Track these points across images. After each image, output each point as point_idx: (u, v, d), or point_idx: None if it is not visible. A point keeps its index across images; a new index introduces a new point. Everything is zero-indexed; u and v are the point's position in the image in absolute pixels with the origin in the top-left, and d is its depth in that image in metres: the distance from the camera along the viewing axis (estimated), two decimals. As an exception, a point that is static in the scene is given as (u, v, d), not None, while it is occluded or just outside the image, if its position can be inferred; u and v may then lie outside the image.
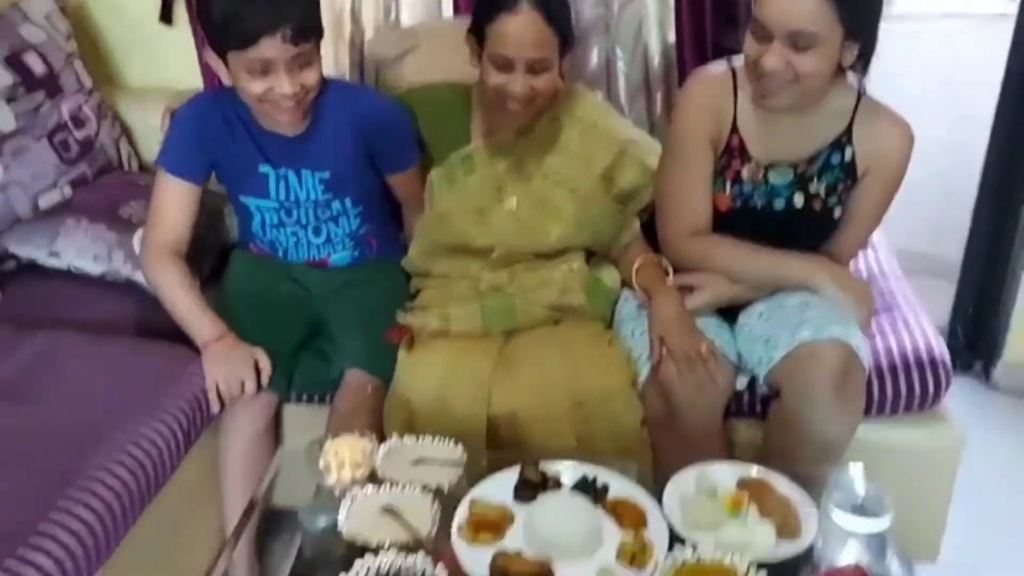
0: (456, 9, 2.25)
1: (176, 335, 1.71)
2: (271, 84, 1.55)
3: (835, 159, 1.57)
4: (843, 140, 1.57)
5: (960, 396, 2.37)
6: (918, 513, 1.57)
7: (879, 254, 1.97)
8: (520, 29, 1.55)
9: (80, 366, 1.59)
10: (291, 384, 1.72)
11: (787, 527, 1.20)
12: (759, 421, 1.61)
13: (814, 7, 1.40)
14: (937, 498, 1.62)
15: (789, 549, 1.18)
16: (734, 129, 1.59)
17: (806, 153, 1.58)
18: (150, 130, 2.32)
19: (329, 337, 1.78)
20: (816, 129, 1.57)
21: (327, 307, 1.81)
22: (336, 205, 1.77)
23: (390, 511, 1.23)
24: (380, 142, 1.76)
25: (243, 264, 1.87)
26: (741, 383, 1.61)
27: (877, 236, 1.95)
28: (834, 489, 1.18)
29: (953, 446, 1.62)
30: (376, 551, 1.14)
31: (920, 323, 1.70)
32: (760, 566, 1.11)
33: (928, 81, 2.78)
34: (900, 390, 1.59)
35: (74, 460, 1.38)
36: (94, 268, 1.87)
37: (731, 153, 1.60)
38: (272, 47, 1.50)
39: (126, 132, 2.32)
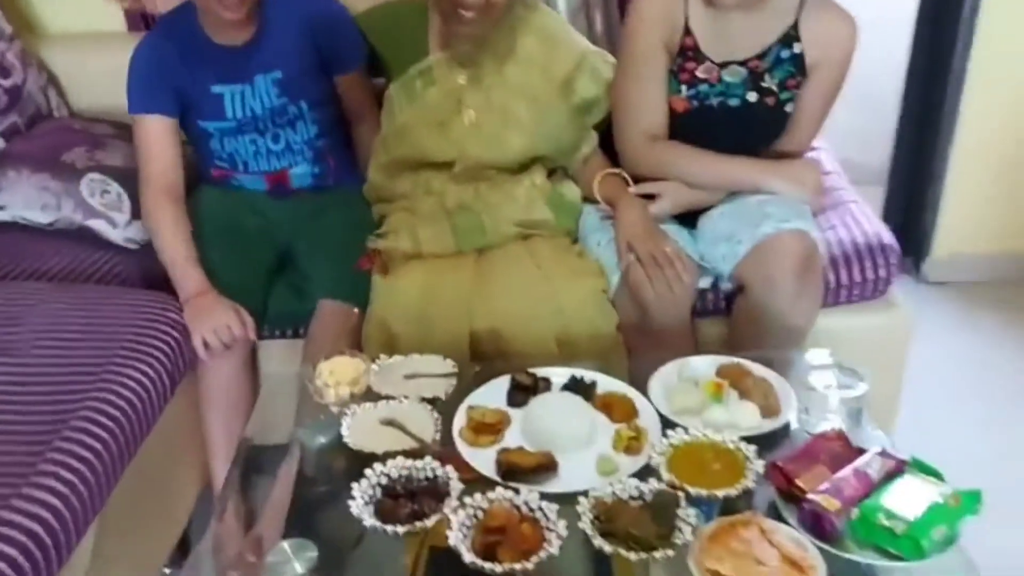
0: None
1: (141, 281, 1.68)
2: None
3: (785, 54, 1.63)
4: (791, 35, 1.62)
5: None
6: (874, 395, 1.66)
7: (821, 155, 2.05)
8: None
9: (48, 316, 1.56)
10: (265, 318, 1.72)
11: (767, 406, 1.28)
12: (724, 318, 1.68)
13: None
14: (891, 379, 1.73)
15: (772, 424, 1.25)
16: (687, 32, 1.63)
17: (757, 50, 1.63)
18: (76, 77, 2.23)
19: (299, 270, 1.78)
20: (765, 26, 1.62)
21: (294, 239, 1.80)
22: (292, 109, 1.78)
23: (391, 423, 1.26)
24: (326, 40, 1.78)
25: (208, 201, 1.83)
26: (705, 282, 1.68)
27: (819, 140, 2.03)
28: (811, 367, 1.26)
29: (904, 330, 1.73)
30: (383, 460, 1.17)
31: (868, 216, 1.80)
32: (748, 442, 1.18)
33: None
34: (854, 278, 1.69)
35: (58, 412, 1.36)
36: (43, 218, 1.82)
37: (685, 55, 1.64)
38: None
39: (52, 80, 2.22)
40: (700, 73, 1.63)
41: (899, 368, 1.73)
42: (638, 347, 1.62)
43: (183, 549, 1.73)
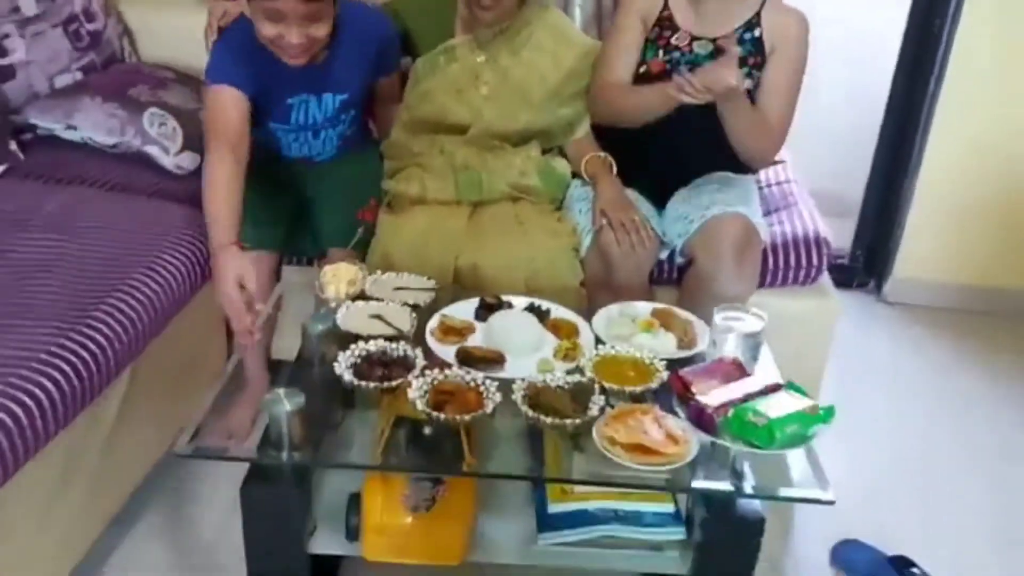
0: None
1: (186, 201, 1.97)
2: (282, 32, 1.71)
3: (747, 36, 1.93)
4: (754, 21, 1.94)
5: (856, 307, 2.84)
6: (800, 368, 1.91)
7: (788, 171, 2.32)
8: None
9: (105, 213, 1.86)
10: (286, 247, 2.00)
11: (686, 339, 1.55)
12: (676, 287, 1.95)
13: None
14: (816, 356, 1.99)
15: (687, 352, 1.52)
16: (666, 7, 1.96)
17: (724, 30, 1.94)
18: (146, 30, 2.55)
19: (314, 217, 2.03)
20: (733, 11, 1.95)
21: (313, 189, 2.05)
22: (344, 116, 1.99)
23: (377, 316, 1.55)
24: (382, 58, 1.99)
25: None
26: (664, 254, 1.95)
27: (791, 161, 2.32)
28: (721, 309, 1.53)
29: (831, 312, 2.00)
30: (367, 340, 1.46)
31: (812, 216, 2.06)
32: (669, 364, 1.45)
33: (843, 29, 3.17)
34: (791, 263, 1.96)
35: (109, 278, 1.66)
36: (107, 140, 2.12)
37: (662, 24, 1.97)
38: (285, 2, 1.66)
39: (127, 31, 2.55)
40: (674, 41, 1.95)
41: (824, 347, 2.00)
42: (600, 301, 1.89)
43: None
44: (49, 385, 1.41)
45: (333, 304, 1.58)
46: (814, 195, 2.24)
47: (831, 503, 1.26)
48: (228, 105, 1.77)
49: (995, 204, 2.71)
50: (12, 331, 1.46)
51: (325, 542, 1.47)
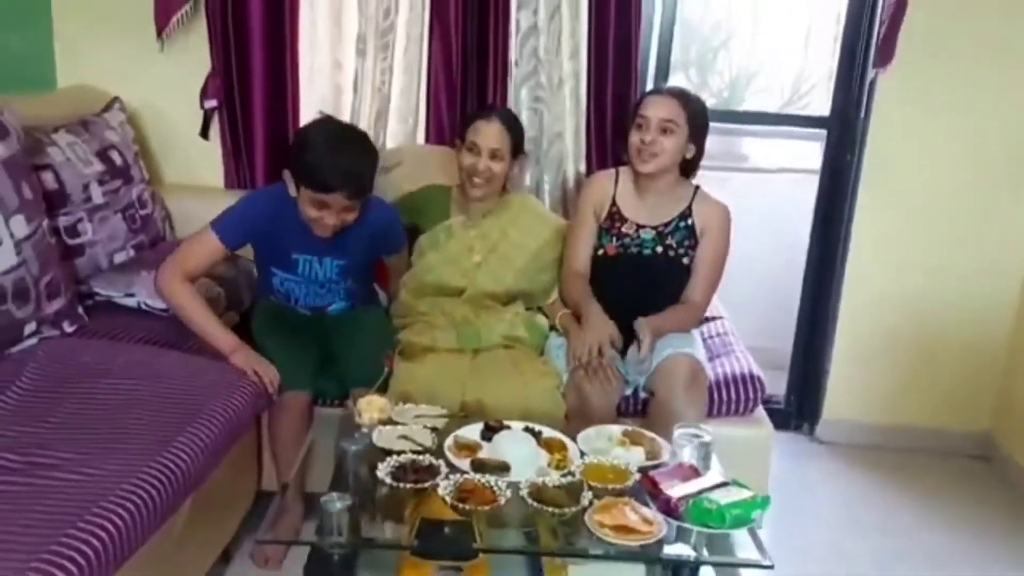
0: (427, 138, 3.08)
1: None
2: (323, 215, 2.17)
3: (682, 224, 2.46)
4: (686, 212, 2.47)
5: (793, 446, 3.25)
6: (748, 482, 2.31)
7: (727, 325, 2.81)
8: (488, 128, 2.46)
9: (164, 365, 2.23)
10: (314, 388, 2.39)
11: (652, 453, 1.94)
12: (641, 418, 2.36)
13: (676, 107, 2.39)
14: (757, 477, 2.37)
15: (653, 462, 1.91)
16: (614, 203, 2.49)
17: (663, 220, 2.48)
18: (181, 217, 3.02)
19: (339, 363, 2.42)
20: (670, 206, 2.49)
21: (335, 340, 2.47)
22: (341, 278, 2.41)
23: (405, 437, 1.92)
24: (384, 241, 2.48)
25: (267, 309, 2.52)
26: (628, 391, 2.38)
27: (728, 318, 2.81)
28: (679, 426, 1.94)
29: (766, 438, 2.42)
30: (398, 455, 1.82)
31: (747, 360, 2.53)
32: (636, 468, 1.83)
33: (769, 213, 3.77)
34: (731, 397, 2.39)
35: (178, 415, 2.01)
36: (160, 304, 2.52)
37: (613, 216, 2.50)
38: (333, 198, 2.14)
39: (168, 215, 3.01)
40: (624, 229, 2.47)
41: (763, 468, 2.39)
42: (579, 429, 2.29)
43: (225, 557, 2.31)
44: (139, 502, 1.71)
45: (367, 428, 1.95)
46: (753, 351, 2.68)
47: (770, 567, 1.63)
48: (211, 251, 2.25)
49: (901, 350, 3.20)
50: (112, 455, 1.79)
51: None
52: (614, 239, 2.47)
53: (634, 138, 2.43)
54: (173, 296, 2.26)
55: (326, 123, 2.26)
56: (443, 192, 2.56)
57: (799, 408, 3.41)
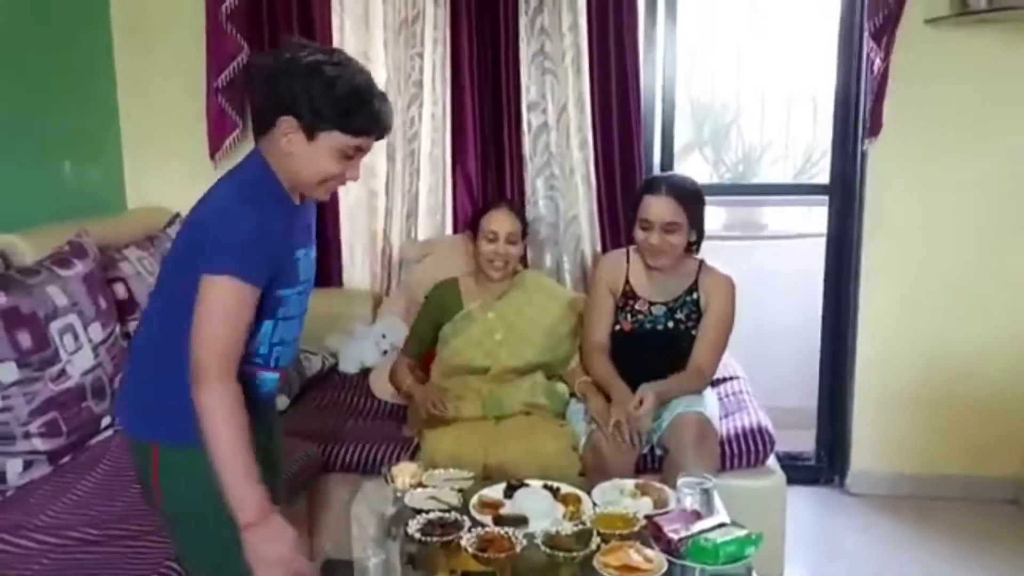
0: (455, 229, 3.38)
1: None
2: (345, 168, 1.65)
3: (689, 299, 2.66)
4: (693, 288, 2.67)
5: (827, 500, 3.35)
6: (764, 532, 2.44)
7: (743, 385, 2.97)
8: (500, 216, 2.75)
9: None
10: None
11: (659, 502, 2.11)
12: (658, 473, 2.53)
13: (675, 208, 2.57)
14: (773, 528, 2.50)
15: (661, 510, 2.08)
16: (627, 282, 2.69)
17: (672, 296, 2.67)
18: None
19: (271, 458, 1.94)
20: (677, 283, 2.68)
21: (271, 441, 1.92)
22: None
23: (434, 498, 2.13)
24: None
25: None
26: (645, 449, 2.55)
27: (744, 378, 2.99)
28: (683, 475, 2.12)
29: (778, 489, 2.55)
30: (428, 513, 2.03)
31: (758, 414, 2.69)
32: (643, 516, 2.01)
33: (793, 276, 3.94)
34: (742, 449, 2.55)
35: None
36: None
37: (627, 294, 2.70)
38: (369, 143, 1.66)
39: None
40: (637, 307, 2.68)
41: (778, 516, 2.52)
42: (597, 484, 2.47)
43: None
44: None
45: (400, 493, 2.17)
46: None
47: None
48: (244, 301, 1.54)
49: (925, 399, 3.30)
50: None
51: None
52: (629, 316, 2.68)
53: (640, 236, 2.63)
54: (208, 403, 1.55)
55: (311, 50, 1.62)
56: (451, 285, 2.84)
57: (830, 462, 3.51)
